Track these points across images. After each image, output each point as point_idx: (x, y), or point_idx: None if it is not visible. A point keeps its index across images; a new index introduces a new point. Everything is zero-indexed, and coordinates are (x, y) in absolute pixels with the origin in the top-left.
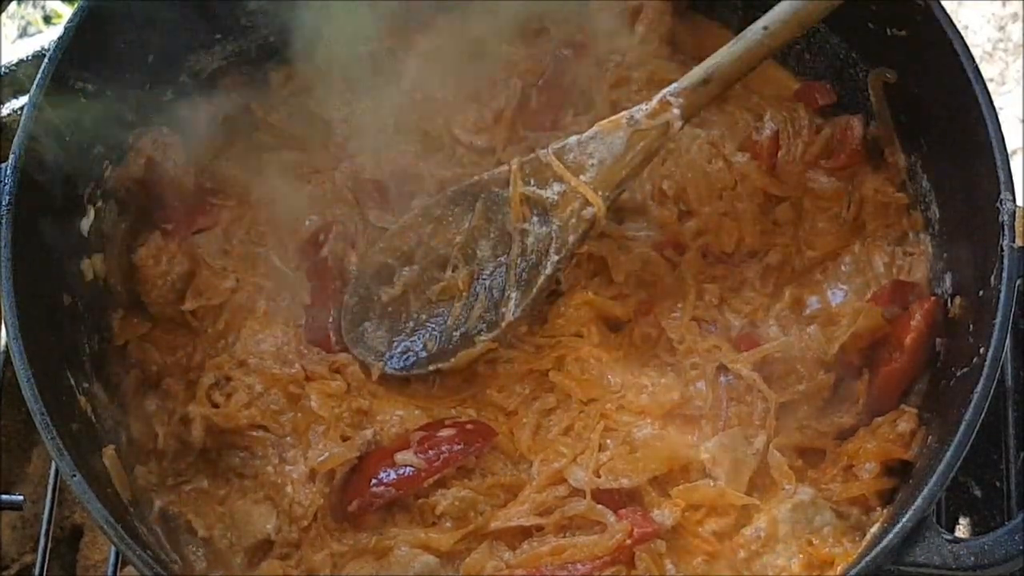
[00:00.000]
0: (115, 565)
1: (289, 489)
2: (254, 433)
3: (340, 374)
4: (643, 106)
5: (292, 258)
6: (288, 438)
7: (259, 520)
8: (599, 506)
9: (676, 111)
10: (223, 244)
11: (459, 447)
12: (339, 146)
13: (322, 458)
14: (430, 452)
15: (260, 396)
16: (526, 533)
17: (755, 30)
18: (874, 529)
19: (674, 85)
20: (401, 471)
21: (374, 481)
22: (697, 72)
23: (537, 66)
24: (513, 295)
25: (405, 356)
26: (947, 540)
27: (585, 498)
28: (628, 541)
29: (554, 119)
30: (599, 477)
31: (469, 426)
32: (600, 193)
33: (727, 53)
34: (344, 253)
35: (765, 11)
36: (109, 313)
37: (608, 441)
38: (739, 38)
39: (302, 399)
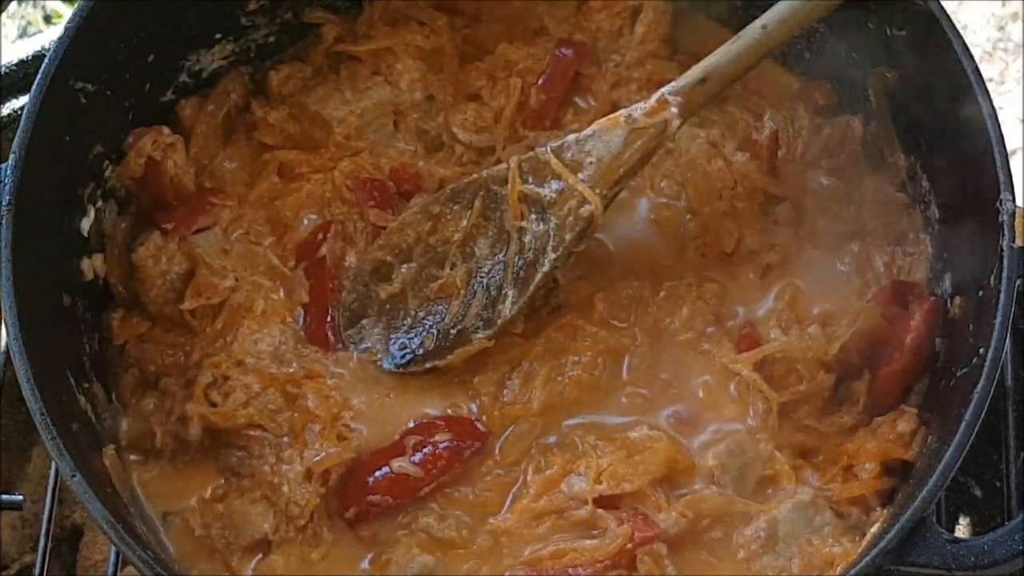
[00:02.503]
0: (115, 565)
1: (285, 488)
2: (251, 432)
3: (338, 375)
4: (641, 104)
5: (290, 257)
6: (285, 438)
7: (256, 519)
8: (600, 511)
9: (674, 110)
10: (222, 244)
11: (454, 450)
12: (339, 145)
13: (318, 458)
14: (425, 453)
15: (257, 396)
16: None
17: (754, 29)
18: (874, 529)
19: (672, 84)
20: (397, 479)
21: (370, 483)
22: (695, 71)
23: (537, 65)
24: (510, 293)
25: (402, 353)
26: (947, 540)
27: (587, 504)
28: (629, 545)
29: (554, 118)
30: (600, 484)
31: (462, 426)
32: (598, 191)
33: (725, 52)
34: (343, 253)
35: (765, 10)
36: (109, 313)
37: (602, 444)
38: (738, 37)
39: (299, 399)
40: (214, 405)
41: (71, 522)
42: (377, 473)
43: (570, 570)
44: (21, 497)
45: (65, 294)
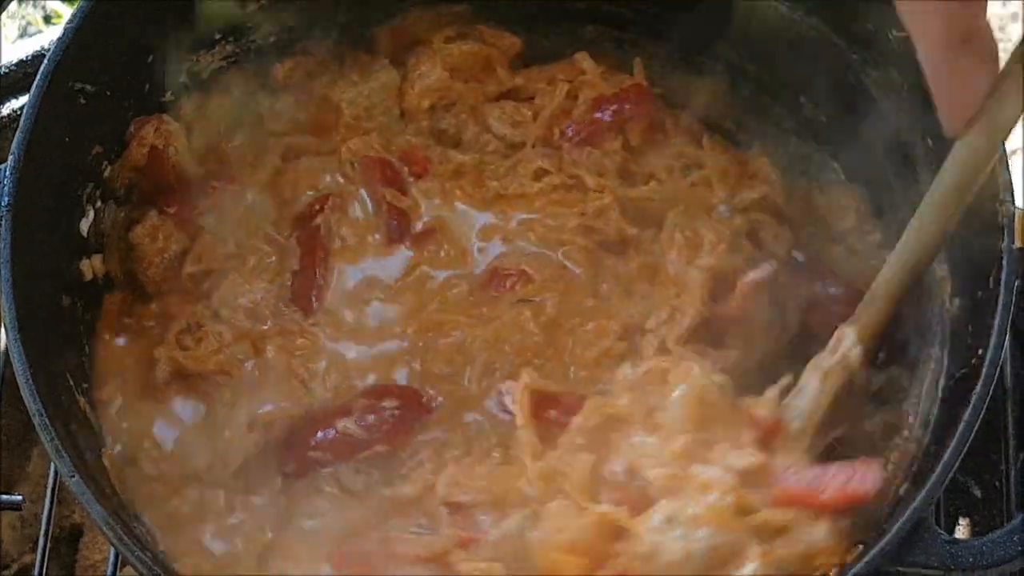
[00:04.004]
0: (115, 565)
1: (227, 433)
2: (219, 378)
3: (309, 334)
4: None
5: (287, 228)
6: (246, 385)
7: (194, 456)
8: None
9: (850, 337)
10: (224, 217)
11: (400, 418)
12: (349, 127)
13: (263, 410)
14: (371, 419)
15: (229, 345)
16: None
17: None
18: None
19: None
20: (340, 438)
21: (313, 441)
22: (864, 298)
23: (608, 88)
24: None
25: None
26: (946, 541)
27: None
28: None
29: (592, 134)
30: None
31: (411, 397)
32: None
33: (887, 268)
34: (338, 225)
35: None
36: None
37: None
38: (895, 251)
39: (264, 352)
40: (186, 350)
41: (71, 522)
42: (321, 433)
43: None
44: (20, 497)
45: (65, 294)
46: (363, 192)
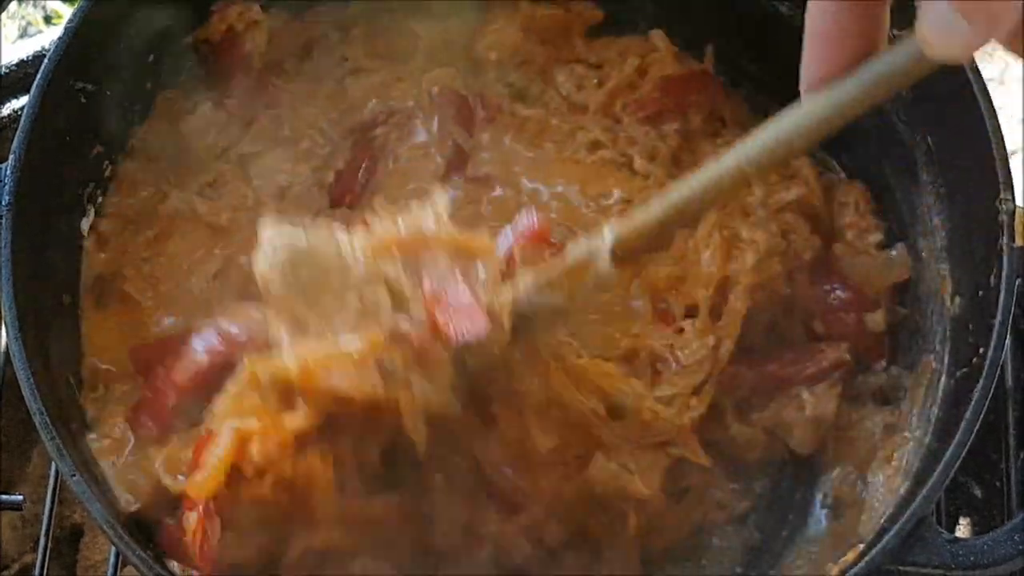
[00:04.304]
0: (115, 565)
1: (193, 280)
2: (223, 232)
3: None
4: None
5: (344, 131)
6: (236, 240)
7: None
8: None
9: (608, 237)
10: (280, 114)
11: None
12: (428, 56)
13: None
14: None
15: (249, 209)
16: None
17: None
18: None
19: None
20: None
21: None
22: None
23: (679, 69)
24: None
25: None
26: (946, 540)
27: None
28: None
29: (654, 113)
30: None
31: None
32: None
33: (675, 189)
34: (397, 143)
35: None
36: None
37: None
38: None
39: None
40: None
41: (71, 522)
42: None
43: None
44: (21, 497)
45: (65, 294)
46: (434, 120)
